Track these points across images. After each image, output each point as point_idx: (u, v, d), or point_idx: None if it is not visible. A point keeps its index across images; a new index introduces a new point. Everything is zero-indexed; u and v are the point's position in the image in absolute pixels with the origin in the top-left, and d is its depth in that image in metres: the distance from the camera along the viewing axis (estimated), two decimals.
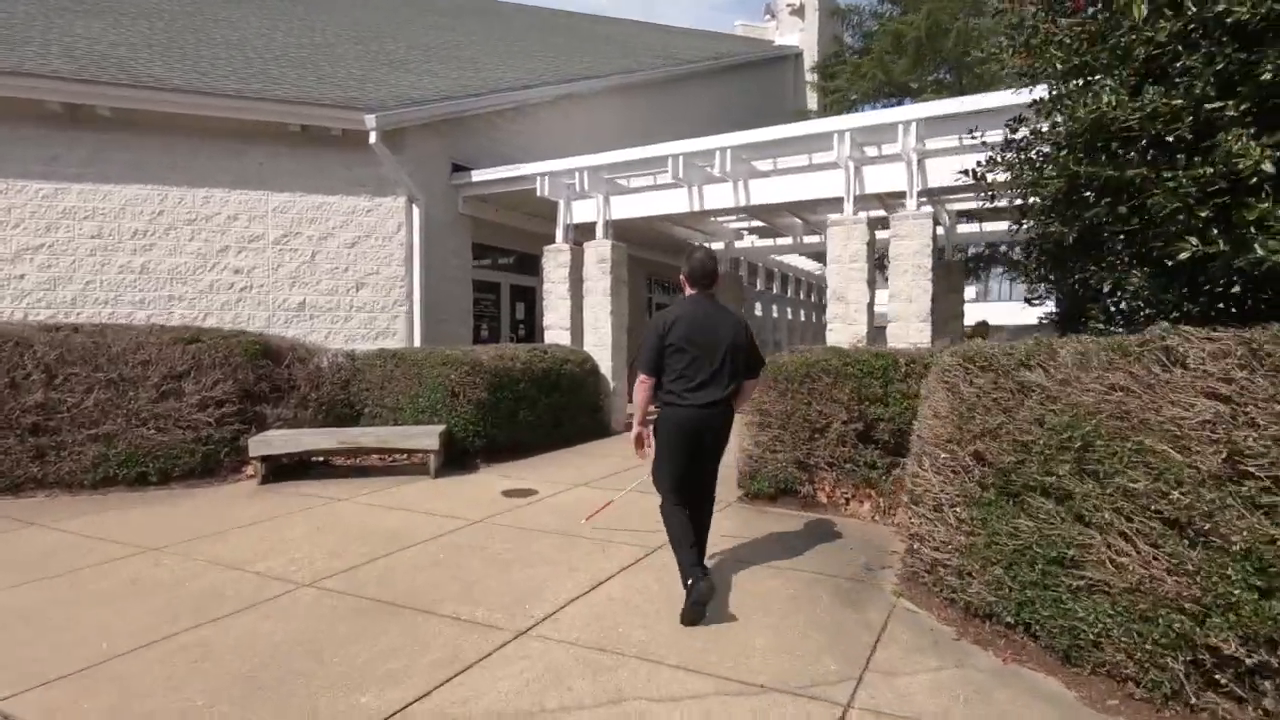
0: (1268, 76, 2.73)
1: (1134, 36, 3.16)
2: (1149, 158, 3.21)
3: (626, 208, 9.29)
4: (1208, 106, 2.89)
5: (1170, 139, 3.09)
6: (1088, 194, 3.58)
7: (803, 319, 23.82)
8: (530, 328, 11.84)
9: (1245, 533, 2.11)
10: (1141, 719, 2.35)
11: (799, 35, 24.98)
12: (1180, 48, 3.02)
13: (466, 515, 4.96)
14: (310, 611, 3.29)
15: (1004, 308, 24.32)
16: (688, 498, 3.45)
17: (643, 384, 3.46)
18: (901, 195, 7.39)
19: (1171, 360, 2.44)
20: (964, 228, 11.35)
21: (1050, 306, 4.63)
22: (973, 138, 4.70)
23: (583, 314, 9.24)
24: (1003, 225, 10.21)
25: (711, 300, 3.57)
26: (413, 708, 2.45)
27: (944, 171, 7.03)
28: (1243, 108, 2.82)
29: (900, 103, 14.96)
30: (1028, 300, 4.67)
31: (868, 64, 16.85)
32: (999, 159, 4.23)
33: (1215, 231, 2.90)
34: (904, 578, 3.59)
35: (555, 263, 9.38)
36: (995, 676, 2.67)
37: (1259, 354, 2.23)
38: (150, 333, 6.34)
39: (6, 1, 10.29)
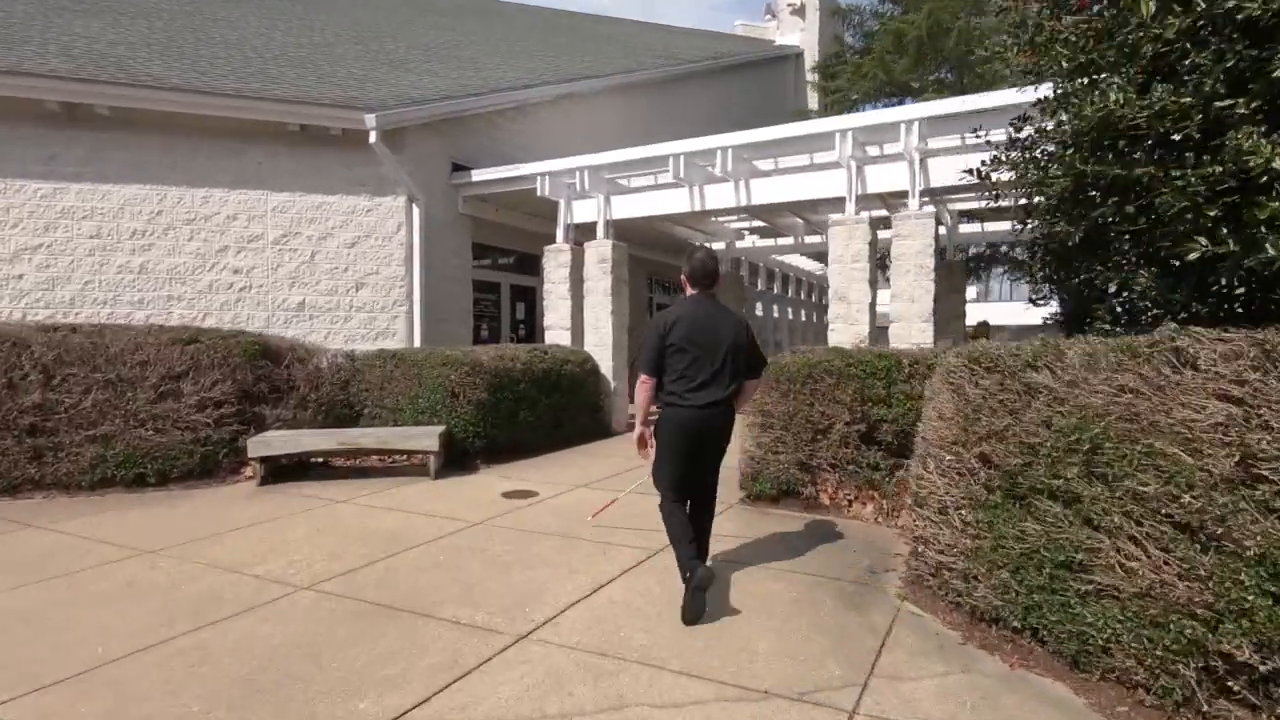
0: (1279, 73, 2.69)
1: (1142, 33, 3.13)
2: (1157, 156, 3.17)
3: (627, 207, 9.25)
4: (1217, 104, 2.86)
5: (1178, 137, 3.05)
6: (1094, 193, 3.54)
7: (804, 319, 23.77)
8: (530, 328, 11.81)
9: (1259, 537, 2.07)
10: None
11: (799, 35, 24.93)
12: (1189, 45, 2.99)
13: (466, 517, 4.92)
14: (309, 614, 3.25)
15: (1004, 308, 24.33)
16: (687, 496, 3.46)
17: (644, 384, 3.45)
18: (903, 195, 7.36)
19: (1182, 361, 2.40)
20: (966, 227, 11.30)
21: (1054, 307, 4.59)
22: (976, 136, 4.67)
23: (583, 314, 9.20)
24: (1005, 225, 10.17)
25: (712, 300, 3.55)
26: (411, 714, 2.41)
27: (946, 171, 7.00)
28: (1253, 105, 2.78)
29: (901, 102, 14.91)
30: (1032, 301, 4.63)
31: (869, 64, 16.79)
32: (1004, 158, 4.19)
33: (1225, 231, 2.87)
34: (908, 581, 3.55)
35: (556, 262, 9.35)
36: (1002, 682, 2.64)
37: (1273, 355, 2.19)
38: (149, 333, 6.30)
39: (5, 0, 10.25)
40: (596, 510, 4.85)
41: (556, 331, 9.32)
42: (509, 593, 3.51)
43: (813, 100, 21.14)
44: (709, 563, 3.63)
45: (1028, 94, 4.27)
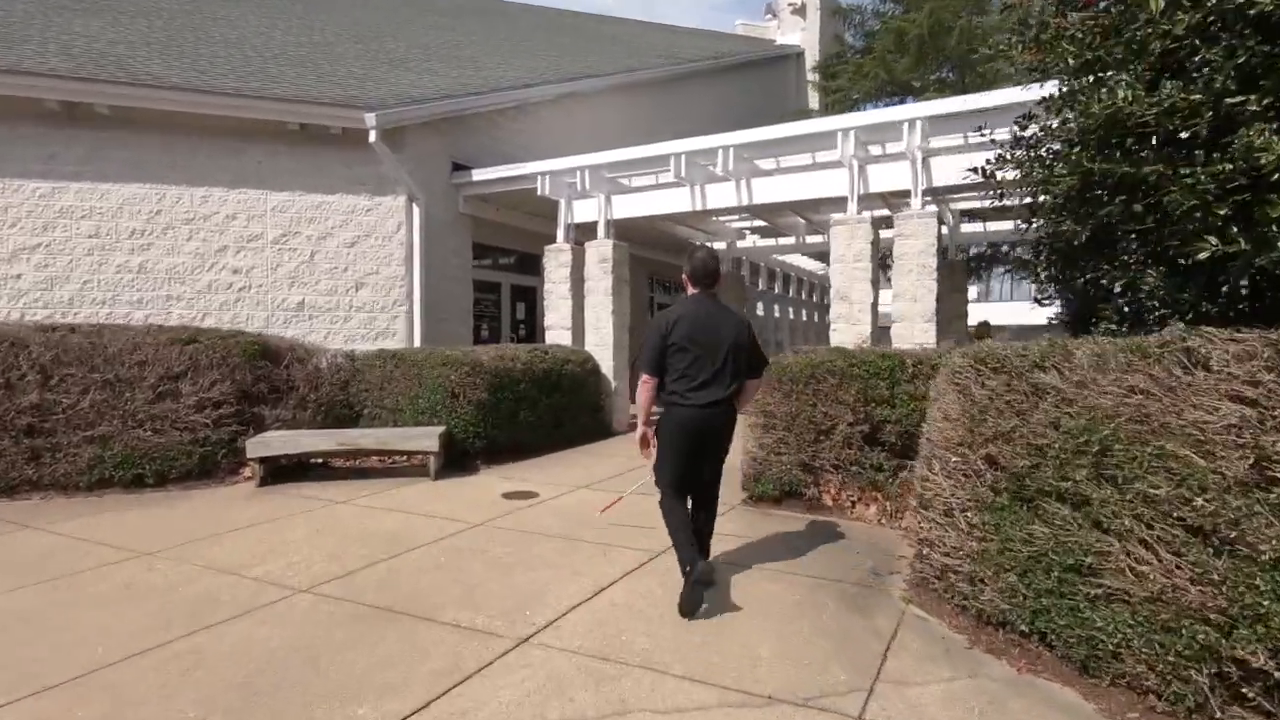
0: None
1: (1150, 30, 3.09)
2: (1165, 154, 3.13)
3: (628, 207, 9.21)
4: (1228, 101, 2.82)
5: (1187, 135, 3.01)
6: (1101, 192, 3.50)
7: (805, 319, 23.73)
8: (531, 328, 11.77)
9: (1274, 541, 2.04)
10: None
11: (800, 34, 24.90)
12: (1199, 41, 2.95)
13: (467, 518, 4.89)
14: (307, 617, 3.22)
15: (1005, 308, 24.26)
16: (688, 493, 3.47)
17: (645, 384, 3.43)
18: (905, 194, 7.32)
19: (1193, 362, 2.37)
20: (968, 227, 11.26)
21: (1059, 307, 4.56)
22: (980, 135, 4.63)
23: (584, 314, 9.17)
24: (1007, 224, 10.13)
25: (714, 300, 3.54)
26: None
27: (949, 170, 6.96)
28: (1265, 102, 2.74)
29: (903, 102, 14.87)
30: (1037, 300, 4.60)
31: (870, 63, 16.75)
32: (1008, 156, 4.16)
33: (1235, 229, 2.83)
34: (913, 583, 3.51)
35: (556, 262, 9.31)
36: (1010, 687, 2.60)
37: None
38: (147, 333, 6.26)
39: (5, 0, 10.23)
40: (605, 506, 4.82)
41: (557, 331, 9.28)
42: (510, 595, 3.47)
43: (814, 100, 21.12)
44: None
45: (1032, 92, 4.23)
